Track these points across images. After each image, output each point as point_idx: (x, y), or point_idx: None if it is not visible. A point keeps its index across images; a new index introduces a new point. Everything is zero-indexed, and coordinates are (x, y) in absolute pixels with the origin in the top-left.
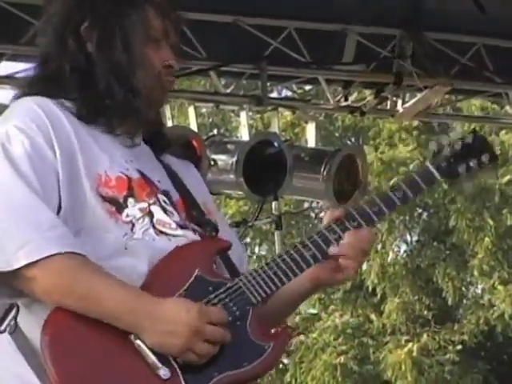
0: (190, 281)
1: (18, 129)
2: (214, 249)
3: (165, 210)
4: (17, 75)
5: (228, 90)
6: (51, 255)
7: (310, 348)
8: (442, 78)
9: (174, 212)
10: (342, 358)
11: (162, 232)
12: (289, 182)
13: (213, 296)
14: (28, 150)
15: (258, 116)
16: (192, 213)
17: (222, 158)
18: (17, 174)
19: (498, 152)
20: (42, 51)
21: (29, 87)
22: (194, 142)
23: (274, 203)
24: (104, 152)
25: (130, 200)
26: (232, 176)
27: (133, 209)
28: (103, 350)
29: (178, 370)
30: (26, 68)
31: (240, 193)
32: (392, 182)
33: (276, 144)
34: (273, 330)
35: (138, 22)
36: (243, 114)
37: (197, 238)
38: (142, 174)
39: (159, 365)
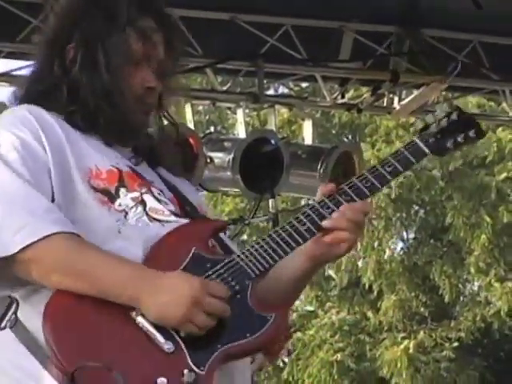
0: (188, 259)
1: (9, 133)
2: (209, 228)
3: (158, 200)
4: (13, 73)
5: (224, 88)
6: (48, 235)
7: (307, 345)
8: (438, 76)
9: (169, 202)
10: (338, 356)
11: (155, 219)
12: (285, 180)
13: (211, 272)
14: (19, 150)
15: (255, 113)
16: (186, 208)
17: (218, 156)
18: (10, 170)
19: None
20: (36, 66)
21: (23, 99)
22: (191, 140)
23: (270, 201)
24: (94, 149)
25: (122, 190)
26: (229, 173)
27: (125, 198)
28: (105, 328)
29: (181, 343)
30: (22, 66)
31: (237, 190)
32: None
33: (273, 141)
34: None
35: (118, 44)
36: (240, 112)
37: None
38: (133, 169)
39: (162, 340)
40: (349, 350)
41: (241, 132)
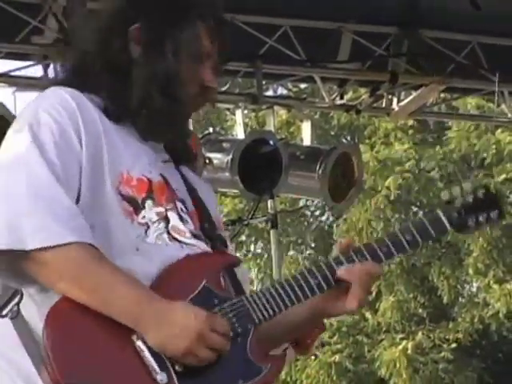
0: (197, 291)
1: (49, 114)
2: (223, 262)
3: (181, 218)
4: (12, 73)
5: (223, 89)
6: (68, 243)
7: None
8: (437, 77)
9: (189, 221)
10: (337, 357)
11: (175, 238)
12: (284, 181)
13: (217, 309)
14: (56, 137)
15: (253, 115)
16: (204, 225)
17: (217, 157)
18: (43, 159)
19: (506, 210)
20: (79, 48)
21: (61, 81)
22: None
23: (269, 201)
24: (129, 152)
25: (149, 202)
26: (227, 174)
27: (150, 212)
28: (104, 347)
29: (174, 378)
30: (21, 66)
31: (235, 191)
32: (387, 181)
33: (271, 142)
34: (271, 353)
35: (190, 37)
36: (239, 113)
37: (208, 249)
38: (164, 178)
39: (158, 369)
40: (347, 351)
41: (239, 133)
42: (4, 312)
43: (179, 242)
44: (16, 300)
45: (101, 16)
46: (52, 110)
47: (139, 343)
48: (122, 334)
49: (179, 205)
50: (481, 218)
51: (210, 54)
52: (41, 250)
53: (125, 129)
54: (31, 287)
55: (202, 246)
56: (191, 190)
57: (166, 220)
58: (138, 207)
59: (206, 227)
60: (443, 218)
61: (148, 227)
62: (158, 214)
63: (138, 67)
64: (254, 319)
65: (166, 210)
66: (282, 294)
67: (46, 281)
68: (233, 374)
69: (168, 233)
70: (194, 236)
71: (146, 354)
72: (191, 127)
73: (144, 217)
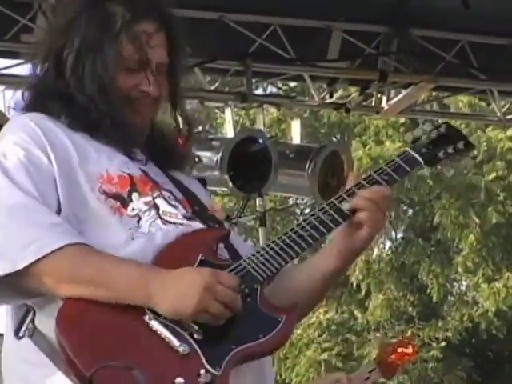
0: (195, 265)
1: (13, 143)
2: (216, 236)
3: (170, 203)
4: (2, 72)
5: (213, 87)
6: (57, 249)
7: (295, 344)
8: (426, 75)
9: (179, 205)
10: (326, 355)
11: (168, 222)
12: (274, 179)
13: None
14: (23, 160)
15: (244, 112)
16: (195, 208)
17: (206, 155)
18: (12, 183)
19: (473, 142)
20: (31, 75)
21: (26, 105)
22: (179, 139)
23: (258, 200)
24: (104, 155)
25: (134, 194)
26: (217, 173)
27: (138, 202)
28: (119, 333)
29: (195, 346)
30: (10, 64)
31: (225, 189)
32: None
33: (261, 141)
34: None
35: (108, 53)
36: (228, 111)
37: (202, 226)
38: (144, 172)
39: (177, 342)
40: (336, 349)
41: (229, 131)
42: (21, 333)
43: (174, 223)
44: (30, 317)
45: (40, 45)
46: (16, 139)
47: (153, 322)
48: (133, 318)
49: (166, 194)
50: (449, 150)
51: (142, 61)
52: (33, 263)
53: (94, 139)
54: (38, 299)
55: (197, 226)
56: (178, 184)
57: (156, 207)
58: (124, 201)
59: (197, 210)
60: (414, 154)
61: (140, 218)
62: (146, 203)
63: (74, 90)
64: (258, 278)
65: (154, 198)
66: (283, 248)
67: (48, 289)
68: (252, 331)
69: (160, 218)
70: (187, 218)
71: (162, 330)
72: (180, 125)
73: (133, 209)
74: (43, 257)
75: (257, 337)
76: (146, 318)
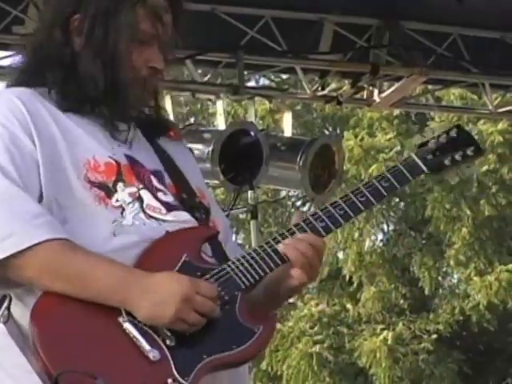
0: (178, 266)
1: None
2: (201, 236)
3: (155, 192)
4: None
5: (205, 79)
6: (39, 242)
7: (286, 337)
8: (418, 68)
9: (167, 192)
10: (317, 347)
11: (152, 217)
12: (265, 172)
13: None
14: (6, 142)
15: (236, 104)
16: (182, 195)
17: (198, 147)
18: None
19: (483, 147)
20: (32, 40)
21: (13, 78)
22: (170, 131)
23: (249, 192)
24: (90, 136)
25: (120, 184)
26: (208, 165)
27: (122, 193)
28: (91, 333)
29: (167, 352)
30: (2, 56)
31: (216, 182)
32: (371, 169)
33: (252, 133)
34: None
35: (125, 22)
36: (219, 103)
37: (189, 218)
38: (131, 158)
39: (148, 347)
40: (328, 341)
41: (220, 124)
42: None
43: (156, 219)
44: (5, 304)
45: (47, 8)
46: (2, 118)
47: (127, 325)
48: (107, 318)
49: (153, 178)
50: (457, 157)
51: (153, 35)
52: (11, 256)
53: (83, 118)
54: (18, 289)
55: (182, 218)
56: (167, 162)
57: (140, 199)
58: (109, 191)
59: (184, 197)
60: (418, 161)
61: (123, 209)
62: (130, 194)
63: (82, 59)
64: (240, 285)
65: (139, 190)
66: (265, 257)
67: (27, 281)
68: (225, 341)
69: (144, 212)
70: (172, 208)
71: (135, 333)
72: (171, 115)
73: (117, 200)
74: (23, 250)
75: (230, 347)
76: (121, 319)
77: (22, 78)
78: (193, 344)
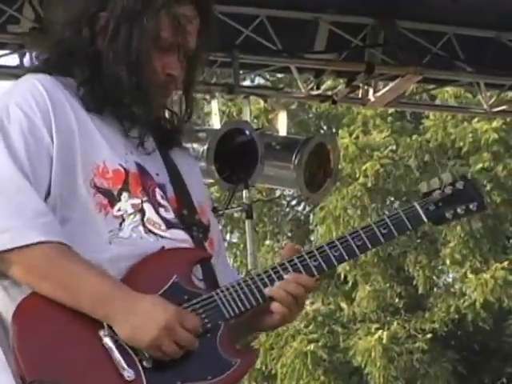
0: (166, 286)
1: (19, 107)
2: (194, 258)
3: (158, 207)
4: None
5: (200, 78)
6: (34, 243)
7: (281, 335)
8: (413, 67)
9: (169, 207)
10: (312, 346)
11: (150, 231)
12: (260, 171)
13: (186, 305)
14: (25, 132)
15: (231, 103)
16: (183, 212)
17: (193, 146)
18: (10, 156)
19: (487, 202)
20: (53, 38)
21: (36, 68)
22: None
23: (244, 191)
24: (105, 140)
25: (124, 194)
26: (203, 164)
27: (125, 203)
28: (71, 343)
29: (142, 373)
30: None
31: (211, 181)
32: (365, 167)
33: (247, 132)
34: (242, 348)
35: (148, 28)
36: (214, 103)
37: (185, 237)
38: (141, 167)
39: (125, 366)
40: (322, 340)
41: (215, 123)
42: None
43: (155, 234)
44: None
45: (71, 5)
46: (23, 104)
47: (107, 340)
48: (89, 330)
49: (158, 192)
50: (459, 210)
51: (175, 44)
52: (6, 251)
53: (103, 119)
54: (5, 280)
55: (180, 237)
56: (174, 175)
57: (142, 212)
58: (113, 199)
59: (184, 214)
60: (420, 211)
61: (123, 220)
62: (133, 205)
63: (106, 58)
64: (225, 315)
65: (142, 202)
66: (253, 289)
67: (17, 277)
68: (201, 370)
69: (143, 225)
70: (171, 226)
71: (114, 350)
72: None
73: (119, 209)
74: (17, 247)
75: (205, 377)
76: (102, 333)
77: (44, 66)
78: (169, 369)
